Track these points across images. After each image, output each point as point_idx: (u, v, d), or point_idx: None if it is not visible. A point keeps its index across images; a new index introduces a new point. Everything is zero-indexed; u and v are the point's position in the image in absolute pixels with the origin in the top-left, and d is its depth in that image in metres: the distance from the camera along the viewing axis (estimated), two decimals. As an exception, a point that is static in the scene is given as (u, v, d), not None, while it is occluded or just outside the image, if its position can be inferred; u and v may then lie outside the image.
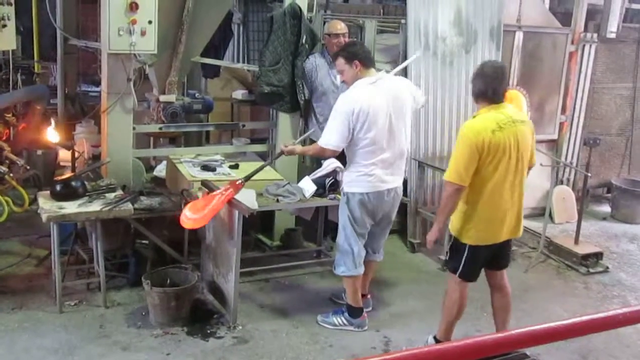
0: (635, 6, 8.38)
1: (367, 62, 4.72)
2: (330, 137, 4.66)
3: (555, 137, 7.72)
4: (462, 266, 4.33)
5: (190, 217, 4.63)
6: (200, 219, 4.63)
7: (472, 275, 4.41)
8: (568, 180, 7.88)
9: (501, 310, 4.57)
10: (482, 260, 4.39)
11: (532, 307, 5.45)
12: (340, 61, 4.72)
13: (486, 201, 4.18)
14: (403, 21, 6.54)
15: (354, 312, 4.96)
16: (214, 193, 4.78)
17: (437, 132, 6.70)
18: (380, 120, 4.59)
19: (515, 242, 6.54)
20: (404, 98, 4.76)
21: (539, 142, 7.52)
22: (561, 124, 7.72)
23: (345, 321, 4.97)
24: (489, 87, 4.15)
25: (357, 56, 4.67)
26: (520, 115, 4.30)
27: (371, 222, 4.86)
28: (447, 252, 4.54)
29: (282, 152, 5.09)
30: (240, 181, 4.84)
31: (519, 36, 7.18)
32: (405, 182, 6.63)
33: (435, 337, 4.61)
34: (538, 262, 6.35)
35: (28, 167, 5.91)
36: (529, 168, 4.38)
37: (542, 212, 7.10)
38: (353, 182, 4.75)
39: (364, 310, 5.08)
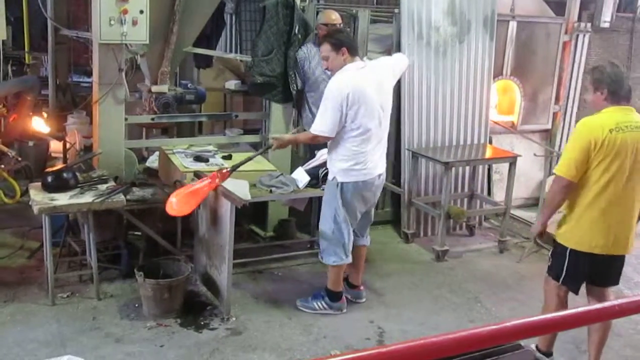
0: (628, -5, 8.36)
1: (353, 50, 4.72)
2: (323, 124, 4.63)
3: (548, 127, 7.71)
4: (564, 272, 4.15)
5: (176, 204, 4.65)
6: (187, 206, 4.65)
7: (575, 283, 4.19)
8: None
9: (597, 330, 4.25)
10: (585, 270, 4.15)
11: (526, 297, 5.45)
12: (327, 47, 4.70)
13: (591, 204, 4.01)
14: (396, 10, 6.51)
15: (334, 296, 5.02)
16: (200, 180, 4.79)
17: (430, 122, 6.67)
18: (371, 107, 4.62)
19: (509, 233, 6.57)
20: (388, 84, 4.83)
21: (533, 132, 7.58)
22: (555, 114, 7.71)
23: (325, 305, 5.02)
24: (624, 87, 4.02)
25: (345, 43, 4.67)
26: None
27: (363, 209, 4.90)
28: (549, 258, 4.33)
29: (271, 145, 5.00)
30: (227, 169, 4.83)
31: (513, 26, 7.16)
32: (398, 173, 6.66)
33: (537, 347, 4.34)
34: (531, 252, 6.34)
35: (19, 159, 5.87)
36: None
37: (535, 202, 7.12)
38: (346, 171, 4.73)
39: (357, 300, 5.15)
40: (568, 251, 4.12)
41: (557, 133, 7.71)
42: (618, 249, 4.08)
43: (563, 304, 4.24)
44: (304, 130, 5.49)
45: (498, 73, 7.17)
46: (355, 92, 4.53)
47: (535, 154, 7.19)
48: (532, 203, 7.33)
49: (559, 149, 7.64)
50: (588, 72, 4.21)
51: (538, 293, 5.47)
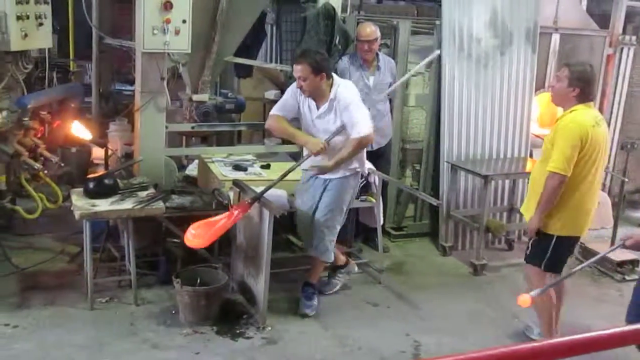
0: (675, 8, 8.20)
1: (330, 72, 4.86)
2: (367, 123, 4.78)
3: (591, 141, 7.57)
4: (547, 257, 4.51)
5: (194, 236, 4.57)
6: (204, 239, 4.59)
7: (556, 267, 4.60)
8: (604, 185, 7.72)
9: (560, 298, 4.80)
10: (566, 253, 4.63)
11: (565, 313, 5.34)
12: (306, 68, 4.70)
13: (579, 195, 4.40)
14: (437, 22, 6.48)
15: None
16: (222, 215, 4.71)
17: (470, 134, 6.61)
18: None
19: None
20: None
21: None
22: (597, 127, 7.57)
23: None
24: (593, 87, 4.46)
25: (324, 68, 4.75)
26: (600, 114, 4.57)
27: None
28: (528, 247, 4.69)
29: (308, 156, 4.92)
30: (248, 201, 4.74)
31: (556, 38, 7.07)
32: (437, 185, 6.61)
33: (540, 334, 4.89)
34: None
35: (62, 164, 5.97)
36: None
37: (576, 218, 6.98)
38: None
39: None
40: (554, 238, 4.47)
41: (599, 147, 7.57)
42: (588, 227, 4.65)
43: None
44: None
45: (540, 86, 7.08)
46: None
47: (576, 169, 7.07)
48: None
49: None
50: (565, 64, 4.55)
51: (578, 309, 5.39)
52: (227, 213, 4.72)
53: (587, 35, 7.35)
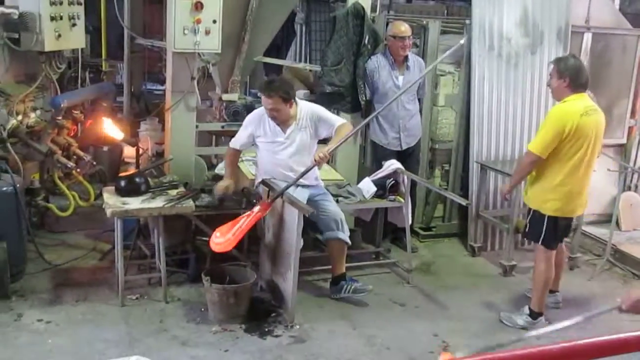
0: None
1: (295, 96, 5.06)
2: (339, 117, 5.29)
3: (623, 141, 7.48)
4: (543, 235, 4.88)
5: (218, 241, 4.72)
6: (228, 242, 4.71)
7: (553, 242, 4.96)
8: (636, 186, 7.62)
9: (558, 266, 5.22)
10: (561, 232, 4.97)
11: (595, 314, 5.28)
12: (277, 101, 4.87)
13: (565, 179, 4.73)
14: (467, 21, 6.44)
15: None
16: (242, 215, 4.84)
17: (500, 134, 6.57)
18: None
19: (580, 249, 6.41)
20: None
21: (607, 146, 7.36)
22: (630, 128, 7.46)
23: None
24: (584, 77, 4.73)
25: (292, 95, 4.95)
26: (595, 105, 4.85)
27: None
28: (526, 225, 5.07)
29: (314, 165, 4.99)
30: (269, 201, 4.86)
31: (588, 37, 6.98)
32: (466, 185, 6.58)
33: (530, 308, 5.06)
34: (603, 270, 6.17)
35: (94, 163, 6.06)
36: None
37: (608, 219, 6.88)
38: None
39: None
40: (546, 218, 4.84)
41: (632, 148, 7.46)
42: (582, 209, 5.11)
43: (550, 265, 5.00)
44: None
45: (571, 86, 6.99)
46: None
47: (608, 169, 6.98)
48: (605, 219, 7.09)
49: (634, 164, 7.41)
50: (552, 62, 4.92)
51: (609, 313, 5.32)
52: (248, 213, 4.82)
53: (620, 35, 7.24)
